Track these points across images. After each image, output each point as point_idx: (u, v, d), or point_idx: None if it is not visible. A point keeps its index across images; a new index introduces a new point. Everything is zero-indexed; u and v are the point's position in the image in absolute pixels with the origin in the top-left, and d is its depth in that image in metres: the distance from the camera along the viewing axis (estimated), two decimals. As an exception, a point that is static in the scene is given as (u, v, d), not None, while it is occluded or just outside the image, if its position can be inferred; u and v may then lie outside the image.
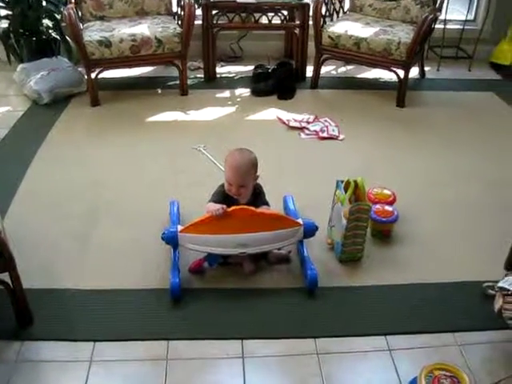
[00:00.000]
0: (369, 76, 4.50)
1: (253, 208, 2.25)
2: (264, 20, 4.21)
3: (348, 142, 3.47)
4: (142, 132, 3.49)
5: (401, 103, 3.94)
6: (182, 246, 2.26)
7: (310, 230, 2.33)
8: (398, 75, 3.87)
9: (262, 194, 2.41)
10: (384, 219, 2.54)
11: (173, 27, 3.84)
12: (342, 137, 3.50)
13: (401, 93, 3.92)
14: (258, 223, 2.23)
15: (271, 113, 3.80)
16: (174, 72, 4.17)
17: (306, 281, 2.29)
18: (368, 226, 2.40)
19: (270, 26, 4.23)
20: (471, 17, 4.96)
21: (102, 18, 3.98)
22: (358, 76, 4.50)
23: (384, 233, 2.58)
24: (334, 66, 4.59)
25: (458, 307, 2.26)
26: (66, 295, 2.24)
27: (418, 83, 4.37)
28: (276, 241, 2.26)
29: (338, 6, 4.29)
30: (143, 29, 3.78)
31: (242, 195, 2.31)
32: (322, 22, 3.99)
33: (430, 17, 3.72)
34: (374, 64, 3.96)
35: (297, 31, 4.20)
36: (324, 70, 4.22)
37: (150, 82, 4.21)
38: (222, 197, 2.32)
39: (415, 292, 2.32)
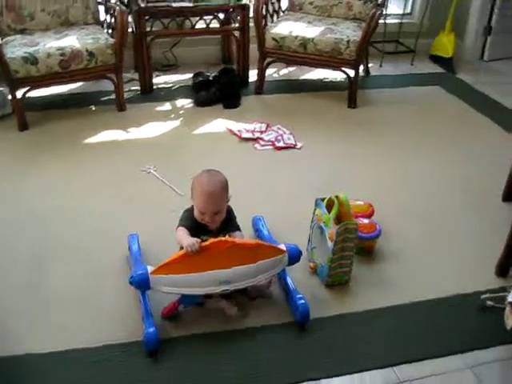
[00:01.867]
0: (313, 77, 4.31)
1: (232, 239, 1.99)
2: (201, 25, 3.93)
3: (306, 150, 3.26)
4: (81, 155, 3.14)
5: (352, 104, 3.78)
6: (154, 289, 1.97)
7: (295, 256, 2.09)
8: (348, 75, 3.71)
9: (233, 218, 2.16)
10: (366, 235, 2.34)
11: (104, 38, 3.51)
12: (299, 145, 3.29)
13: (352, 93, 3.76)
14: (239, 255, 1.97)
15: (219, 124, 3.54)
16: (107, 86, 3.84)
17: (295, 314, 2.06)
18: (355, 246, 2.19)
19: (208, 31, 3.96)
20: (407, 10, 4.87)
21: (22, 32, 3.58)
22: (302, 78, 4.31)
23: (367, 249, 2.39)
24: (275, 69, 4.37)
25: (458, 324, 2.10)
26: (17, 363, 1.89)
27: (365, 81, 4.23)
28: (261, 272, 2.01)
29: (276, 5, 4.06)
30: (72, 41, 3.42)
31: (216, 222, 2.05)
32: (263, 24, 3.76)
33: (379, 12, 3.58)
34: (322, 65, 3.78)
35: (237, 34, 3.94)
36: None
37: (81, 99, 3.84)
38: (193, 221, 2.07)
39: (411, 313, 2.15)
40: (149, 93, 3.93)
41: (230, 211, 2.15)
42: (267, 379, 1.86)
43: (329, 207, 2.20)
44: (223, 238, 1.97)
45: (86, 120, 3.54)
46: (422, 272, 2.35)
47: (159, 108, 3.76)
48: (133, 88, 4.01)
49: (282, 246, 2.09)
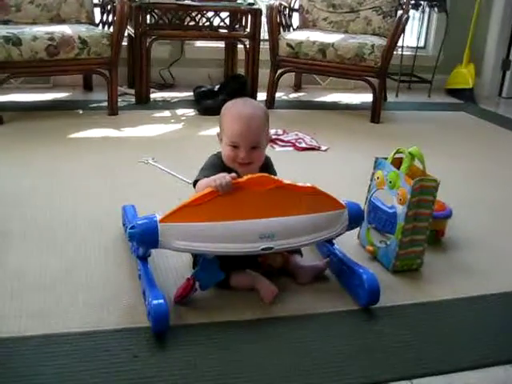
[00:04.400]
0: (326, 99, 3.91)
1: (277, 177, 1.46)
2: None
3: (334, 152, 2.78)
4: (67, 149, 2.61)
5: (376, 118, 3.35)
6: (164, 245, 1.39)
7: (357, 215, 1.56)
8: (372, 85, 3.30)
9: (272, 169, 1.64)
10: (438, 213, 1.81)
11: (100, 29, 3.08)
12: (324, 147, 2.81)
13: (376, 106, 3.34)
14: (286, 201, 1.44)
15: (227, 129, 3.05)
16: (97, 95, 3.42)
17: (360, 292, 1.51)
18: (432, 214, 1.66)
19: (214, 35, 3.57)
20: (421, 44, 4.59)
21: (6, 23, 3.13)
22: (315, 99, 3.90)
23: (438, 233, 1.86)
24: (283, 93, 3.96)
25: None
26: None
27: (383, 105, 3.81)
28: (316, 229, 1.47)
29: (288, 20, 3.72)
30: (63, 28, 2.98)
31: (253, 164, 1.52)
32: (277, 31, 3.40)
33: (405, 16, 3.24)
34: (343, 74, 3.38)
35: (239, 45, 3.56)
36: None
37: (68, 105, 3.35)
38: (220, 168, 1.53)
39: (504, 304, 1.61)
40: (145, 103, 3.45)
41: (269, 160, 1.64)
42: (341, 378, 1.27)
43: (397, 166, 1.69)
44: (265, 174, 1.43)
45: (71, 121, 3.04)
46: (506, 260, 1.82)
47: (157, 114, 3.29)
48: (126, 99, 3.53)
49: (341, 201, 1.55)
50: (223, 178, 1.38)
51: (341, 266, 1.59)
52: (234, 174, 1.41)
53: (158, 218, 1.38)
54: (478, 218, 2.13)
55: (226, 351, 1.32)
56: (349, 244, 1.79)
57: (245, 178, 1.41)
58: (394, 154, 1.70)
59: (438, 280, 1.67)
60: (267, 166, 1.62)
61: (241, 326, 1.42)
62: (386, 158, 1.72)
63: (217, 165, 1.55)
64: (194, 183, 1.55)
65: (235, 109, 1.56)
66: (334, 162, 2.66)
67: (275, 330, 1.41)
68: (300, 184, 1.47)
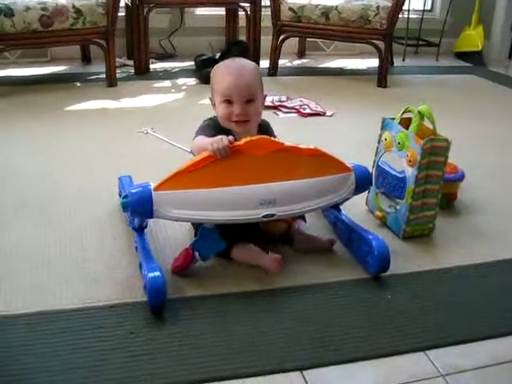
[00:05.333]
0: (331, 65, 3.79)
1: (277, 139, 1.38)
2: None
3: (340, 117, 2.69)
4: (64, 121, 2.53)
5: (383, 82, 3.24)
6: (159, 215, 1.30)
7: (364, 178, 1.46)
8: (377, 48, 3.18)
9: (271, 132, 1.57)
10: (450, 176, 1.72)
11: (94, -2, 2.97)
12: (330, 112, 2.71)
13: (382, 70, 3.23)
14: (288, 165, 1.35)
15: (230, 98, 2.95)
16: (95, 68, 3.35)
17: (369, 259, 1.43)
18: (443, 176, 1.57)
19: (214, 2, 3.46)
20: (427, 7, 4.44)
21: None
22: (320, 66, 3.79)
23: (449, 197, 1.77)
24: (286, 60, 3.84)
25: None
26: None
27: (390, 69, 3.70)
28: (320, 194, 1.38)
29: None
30: (56, -3, 2.88)
31: (250, 122, 1.44)
32: (278, -5, 3.27)
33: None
34: (347, 37, 3.26)
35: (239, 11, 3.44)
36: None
37: (65, 78, 3.26)
38: (217, 130, 1.45)
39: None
40: (144, 73, 3.35)
41: (267, 124, 1.56)
42: (354, 350, 1.21)
43: (405, 125, 1.60)
44: (264, 136, 1.35)
45: (69, 93, 2.95)
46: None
47: (158, 85, 3.20)
48: (125, 71, 3.43)
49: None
50: (220, 141, 1.30)
51: (349, 233, 1.51)
52: (231, 137, 1.33)
53: (153, 185, 1.30)
54: (490, 181, 2.05)
55: (229, 325, 1.25)
56: (357, 210, 1.71)
57: (243, 140, 1.32)
58: (403, 113, 1.61)
59: (450, 245, 1.59)
60: (266, 129, 1.53)
61: (244, 297, 1.35)
62: (393, 119, 1.63)
63: (213, 127, 1.47)
64: None
65: (224, 65, 1.51)
66: (340, 126, 2.57)
67: (281, 301, 1.34)
68: (302, 146, 1.38)
